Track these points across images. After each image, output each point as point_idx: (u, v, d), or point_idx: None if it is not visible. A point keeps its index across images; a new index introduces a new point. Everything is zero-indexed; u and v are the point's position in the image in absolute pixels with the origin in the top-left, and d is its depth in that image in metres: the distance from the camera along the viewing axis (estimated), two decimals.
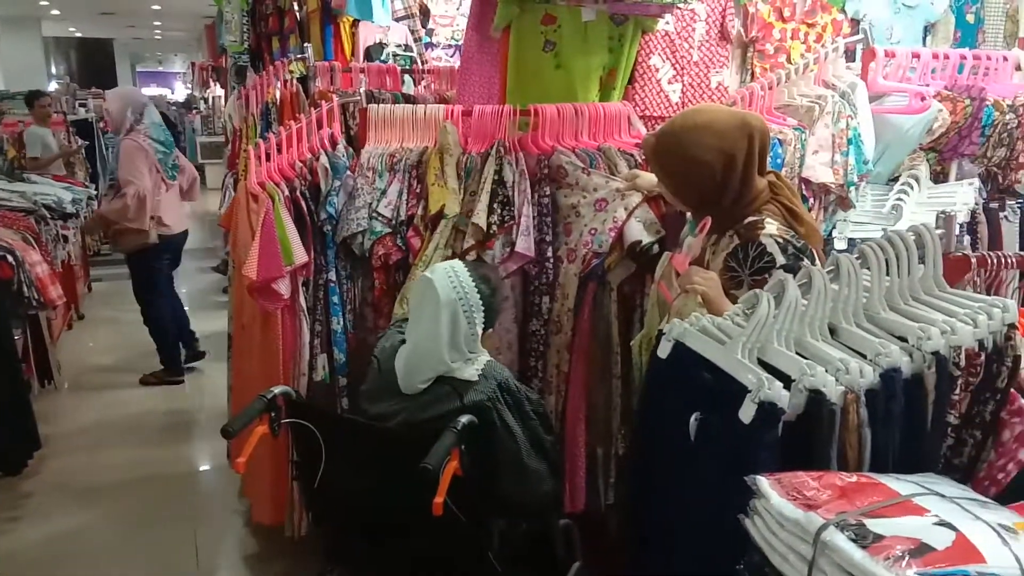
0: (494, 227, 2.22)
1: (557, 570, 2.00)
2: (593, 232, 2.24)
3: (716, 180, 1.70)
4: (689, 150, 1.70)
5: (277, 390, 1.82)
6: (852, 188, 2.59)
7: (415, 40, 4.58)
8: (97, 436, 3.82)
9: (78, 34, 18.49)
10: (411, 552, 1.86)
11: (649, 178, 2.26)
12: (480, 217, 2.20)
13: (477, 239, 2.21)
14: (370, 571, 2.00)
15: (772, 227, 1.66)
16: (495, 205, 2.22)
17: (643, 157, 2.39)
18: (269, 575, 2.73)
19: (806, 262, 1.52)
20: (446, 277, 1.80)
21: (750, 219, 1.69)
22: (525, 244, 2.24)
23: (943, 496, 1.00)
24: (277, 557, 2.74)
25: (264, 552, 2.83)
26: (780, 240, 1.64)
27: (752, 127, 1.71)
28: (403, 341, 1.90)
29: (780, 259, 1.62)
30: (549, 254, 2.29)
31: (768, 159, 1.85)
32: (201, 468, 3.56)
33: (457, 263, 1.89)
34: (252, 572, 2.77)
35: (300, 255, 2.22)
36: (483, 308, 1.82)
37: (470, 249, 2.21)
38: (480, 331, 1.84)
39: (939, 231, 1.31)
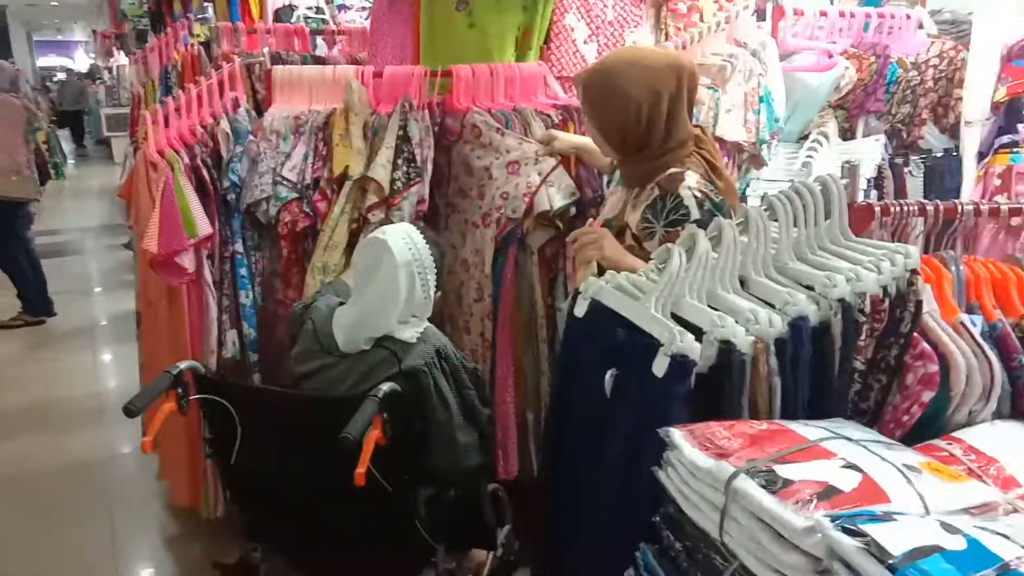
0: (399, 184, 2.15)
1: (486, 535, 2.00)
2: (505, 196, 2.20)
3: (642, 117, 1.67)
4: (617, 84, 1.68)
5: (183, 365, 1.74)
6: (764, 146, 2.63)
7: (327, 2, 4.43)
8: (3, 424, 3.62)
9: None
10: (335, 524, 1.83)
11: (567, 139, 2.23)
12: (379, 172, 2.12)
13: (379, 196, 2.14)
14: (293, 546, 1.96)
15: (692, 180, 1.65)
16: (399, 162, 2.16)
17: (560, 118, 2.37)
18: (189, 557, 2.64)
19: (716, 218, 1.52)
20: (400, 238, 1.77)
21: (672, 170, 1.68)
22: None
23: (850, 439, 1.02)
24: (197, 538, 2.65)
25: (184, 534, 2.74)
26: (698, 194, 1.63)
27: (682, 66, 1.70)
28: (340, 303, 1.86)
29: (695, 213, 1.62)
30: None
31: (695, 106, 1.84)
32: (115, 452, 3.41)
33: (408, 225, 1.87)
34: (171, 555, 2.68)
35: (204, 227, 2.12)
36: (436, 270, 1.81)
37: (374, 207, 2.14)
38: (432, 294, 1.82)
39: (844, 181, 1.32)
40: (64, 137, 12.98)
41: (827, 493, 0.87)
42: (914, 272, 1.22)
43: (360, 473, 1.52)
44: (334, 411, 1.60)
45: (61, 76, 17.46)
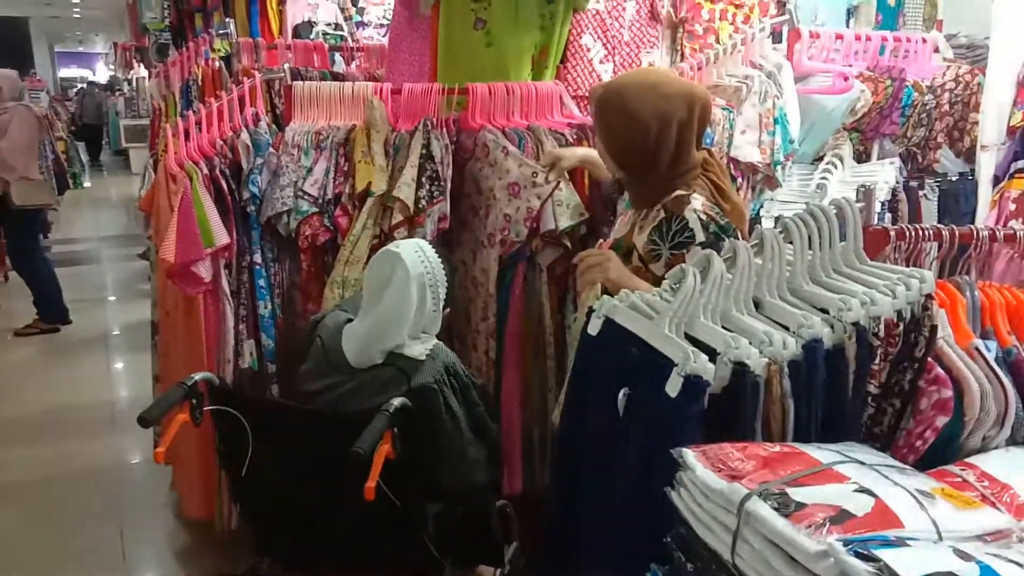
0: (423, 202, 2.17)
1: (494, 551, 2.00)
2: (508, 218, 2.21)
3: (649, 141, 1.69)
4: (630, 105, 1.69)
5: (198, 376, 1.76)
6: (778, 167, 2.63)
7: (345, 19, 4.48)
8: (15, 431, 3.65)
9: None
10: (343, 538, 1.83)
11: (572, 154, 2.24)
12: (404, 191, 2.15)
13: (405, 215, 2.16)
14: (301, 559, 1.96)
15: (697, 202, 1.66)
16: (423, 180, 2.18)
17: (574, 137, 2.38)
18: (199, 570, 2.64)
19: (727, 240, 1.53)
20: (413, 252, 1.78)
21: (678, 192, 1.69)
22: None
23: (863, 463, 1.01)
24: (208, 551, 2.66)
25: (194, 547, 2.74)
26: (703, 216, 1.64)
27: (696, 97, 1.71)
28: (348, 320, 1.86)
29: (700, 236, 1.63)
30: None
31: (704, 135, 1.85)
32: (127, 462, 3.43)
33: (420, 240, 1.88)
34: (181, 567, 2.68)
35: (221, 236, 2.14)
36: (447, 285, 1.82)
37: (398, 225, 2.16)
38: (441, 309, 1.83)
39: (859, 204, 1.32)
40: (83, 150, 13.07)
41: (840, 517, 0.87)
42: (929, 297, 1.21)
43: (370, 487, 1.53)
44: (345, 426, 1.61)
45: (81, 86, 17.49)
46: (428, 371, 1.74)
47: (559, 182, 2.19)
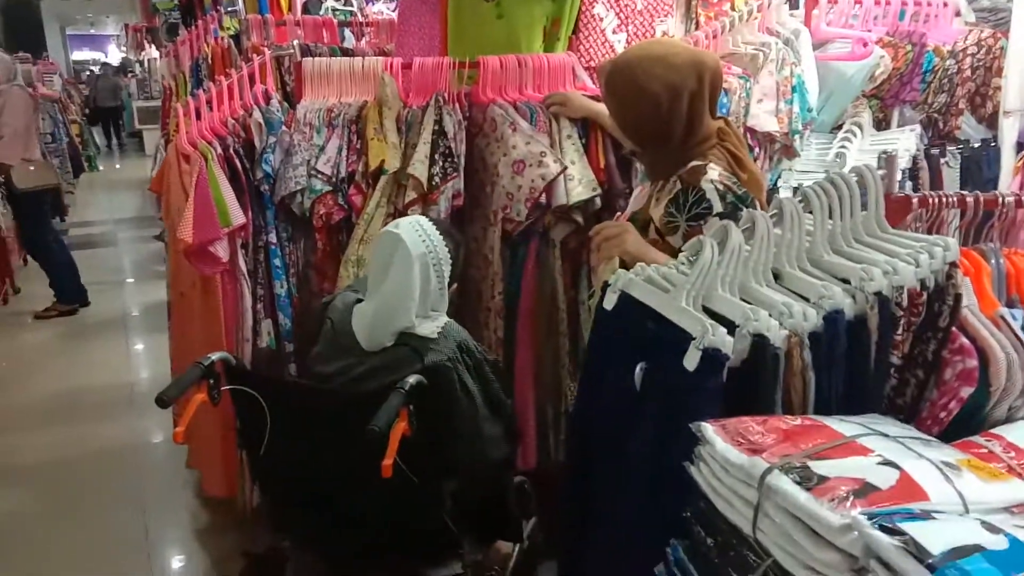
0: (436, 179, 2.15)
1: (512, 527, 2.00)
2: (510, 196, 2.17)
3: (661, 113, 1.66)
4: (638, 79, 1.66)
5: (215, 356, 1.75)
6: (797, 136, 2.59)
7: None
8: (36, 413, 3.69)
9: None
10: (362, 516, 1.83)
11: (582, 103, 2.22)
12: (418, 168, 2.12)
13: (419, 192, 2.14)
14: (320, 538, 1.97)
15: (714, 172, 1.64)
16: (436, 157, 2.15)
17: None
18: (221, 548, 2.67)
19: (745, 211, 1.50)
20: (414, 231, 1.75)
21: (694, 163, 1.67)
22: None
23: (887, 436, 1.00)
24: (230, 529, 2.68)
25: (216, 525, 2.77)
26: (720, 186, 1.61)
27: (705, 65, 1.68)
28: (358, 300, 1.85)
29: (718, 206, 1.60)
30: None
31: (718, 102, 1.82)
32: (147, 441, 3.46)
33: (420, 217, 1.85)
34: (203, 545, 2.71)
35: (237, 216, 2.13)
36: (451, 262, 1.79)
37: (412, 203, 2.15)
38: (447, 286, 1.81)
39: (881, 172, 1.29)
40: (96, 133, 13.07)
41: (864, 490, 0.86)
42: (953, 265, 1.19)
43: (387, 465, 1.53)
44: (362, 404, 1.60)
45: (93, 69, 17.36)
46: (441, 349, 1.73)
47: (564, 168, 2.16)
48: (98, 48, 23.42)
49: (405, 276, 1.73)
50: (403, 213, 2.14)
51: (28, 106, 4.74)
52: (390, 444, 1.54)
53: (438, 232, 1.78)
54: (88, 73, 17.62)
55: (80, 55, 23.08)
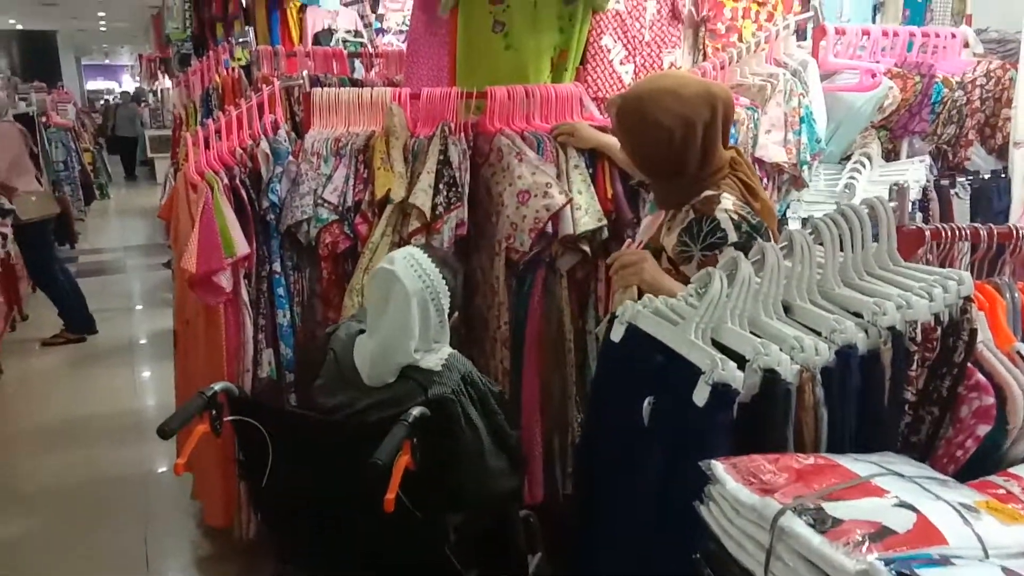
0: (440, 209, 2.14)
1: (517, 562, 1.96)
2: (514, 226, 2.16)
3: (674, 147, 1.65)
4: (650, 113, 1.65)
5: (218, 386, 1.74)
6: (805, 167, 2.58)
7: (365, 25, 4.49)
8: (42, 440, 3.68)
9: (19, 26, 17.84)
10: (364, 549, 1.80)
11: (591, 135, 2.22)
12: (420, 197, 2.12)
13: (422, 222, 2.14)
14: (323, 570, 1.94)
15: (728, 202, 1.62)
16: (441, 186, 2.15)
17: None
18: None
19: (757, 241, 1.48)
20: (408, 266, 1.72)
21: (707, 193, 1.65)
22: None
23: (902, 476, 0.97)
24: (230, 559, 2.65)
25: (217, 554, 2.74)
26: (735, 216, 1.60)
27: (716, 96, 1.67)
28: (361, 331, 1.83)
29: (732, 236, 1.58)
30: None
31: (730, 133, 1.81)
32: (151, 470, 3.44)
33: (414, 249, 1.81)
34: (204, 574, 2.68)
35: (242, 246, 2.13)
36: (449, 293, 1.77)
37: (415, 232, 2.14)
38: (447, 317, 1.79)
39: (892, 204, 1.28)
40: (113, 162, 13.11)
41: (880, 534, 0.83)
42: (968, 299, 1.17)
43: (389, 499, 1.50)
44: (364, 436, 1.58)
45: (109, 98, 17.42)
46: (445, 382, 1.70)
47: (569, 199, 2.16)
48: (112, 78, 23.82)
49: (403, 314, 1.70)
50: (406, 242, 2.13)
51: (15, 140, 4.81)
52: (393, 478, 1.51)
53: (433, 264, 1.75)
54: (103, 102, 17.78)
55: (94, 84, 23.48)
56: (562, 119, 2.39)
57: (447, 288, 1.76)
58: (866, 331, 1.13)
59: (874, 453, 1.08)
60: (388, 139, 2.21)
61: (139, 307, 5.99)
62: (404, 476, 1.53)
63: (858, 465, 0.99)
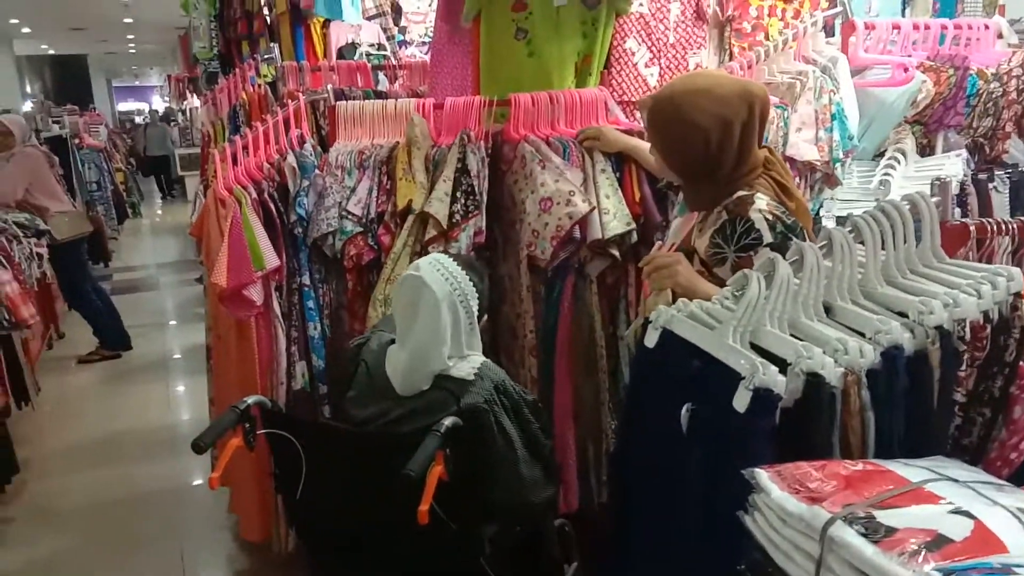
0: (457, 216, 2.13)
1: (552, 572, 1.93)
2: (536, 234, 2.13)
3: (711, 148, 1.61)
4: (686, 114, 1.61)
5: (251, 400, 1.74)
6: (838, 165, 2.53)
7: (388, 38, 4.50)
8: (78, 457, 3.72)
9: (51, 51, 18.27)
10: (399, 562, 1.79)
11: (616, 139, 2.19)
12: (435, 206, 2.11)
13: (438, 230, 2.12)
14: None
15: (762, 202, 1.58)
16: (458, 195, 2.14)
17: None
18: None
19: (794, 241, 1.45)
20: (435, 271, 1.71)
21: (740, 193, 1.61)
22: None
23: (956, 481, 0.93)
24: (268, 573, 2.66)
25: (254, 568, 2.75)
26: (769, 217, 1.56)
27: (754, 95, 1.62)
28: (392, 341, 1.81)
29: (767, 237, 1.54)
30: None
31: (765, 131, 1.77)
32: (187, 484, 3.46)
33: (439, 255, 1.81)
34: None
35: (271, 259, 2.13)
36: (477, 295, 1.75)
37: (432, 241, 2.13)
38: (476, 320, 1.77)
39: (935, 199, 1.23)
40: (147, 182, 13.24)
41: (936, 543, 0.79)
42: (1018, 296, 1.12)
43: (423, 511, 1.48)
44: (398, 448, 1.56)
45: (139, 120, 17.66)
46: (477, 391, 1.68)
47: (593, 207, 2.13)
48: (142, 99, 24.29)
49: (434, 320, 1.69)
50: (424, 251, 2.12)
51: (37, 163, 4.92)
52: (426, 489, 1.50)
53: (459, 267, 1.74)
54: (134, 121, 18.06)
55: (125, 106, 23.95)
56: (587, 123, 2.37)
57: (475, 290, 1.74)
58: (912, 331, 1.09)
59: (924, 458, 1.04)
60: (410, 149, 2.21)
61: (172, 322, 6.07)
62: (438, 487, 1.51)
63: (909, 470, 0.95)
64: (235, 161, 2.29)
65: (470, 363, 1.74)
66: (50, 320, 5.32)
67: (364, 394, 1.83)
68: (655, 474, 1.32)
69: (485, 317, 1.84)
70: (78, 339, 5.34)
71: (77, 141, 8.30)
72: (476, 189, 2.15)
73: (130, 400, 4.42)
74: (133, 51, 18.34)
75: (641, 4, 2.73)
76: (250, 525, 2.52)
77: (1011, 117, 2.97)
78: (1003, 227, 1.53)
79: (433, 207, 2.11)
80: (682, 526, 1.20)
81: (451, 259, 1.76)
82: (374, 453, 1.73)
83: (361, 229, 2.19)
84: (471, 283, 1.74)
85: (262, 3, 4.37)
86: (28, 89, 17.73)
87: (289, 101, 2.51)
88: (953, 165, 2.71)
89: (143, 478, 3.45)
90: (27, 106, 13.99)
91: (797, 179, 2.51)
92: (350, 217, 2.18)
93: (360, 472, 1.75)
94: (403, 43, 4.70)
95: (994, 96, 2.89)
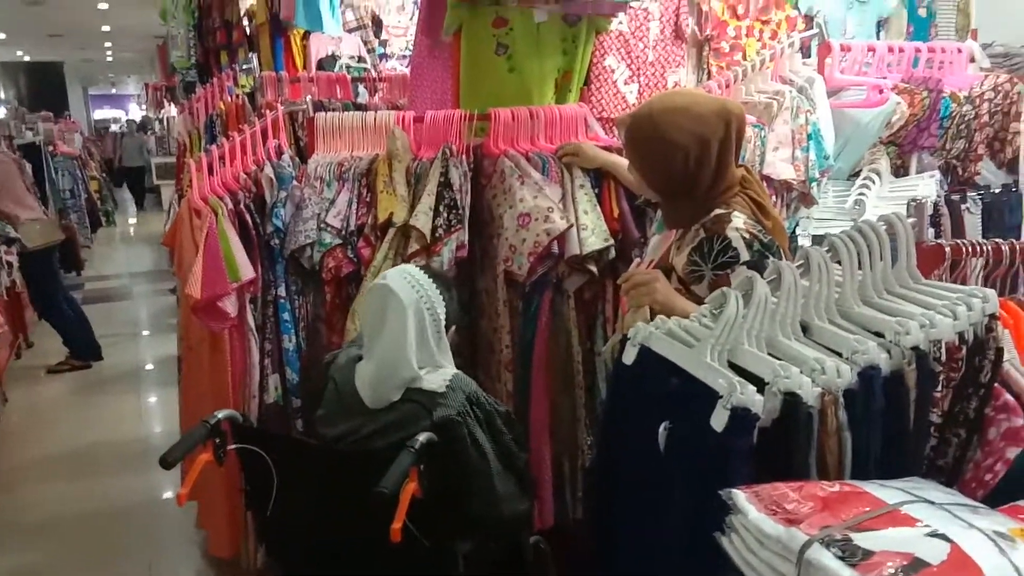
0: (440, 231, 2.12)
1: None
2: (513, 249, 2.13)
3: (689, 165, 1.62)
4: (664, 132, 1.62)
5: (221, 414, 1.71)
6: (814, 184, 2.55)
7: (368, 51, 4.50)
8: (46, 469, 3.65)
9: (27, 58, 18.04)
10: None
11: (595, 154, 2.20)
12: (420, 219, 2.10)
13: (421, 244, 2.12)
14: None
15: (739, 220, 1.59)
16: (441, 208, 2.13)
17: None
18: None
19: (771, 260, 1.45)
20: (402, 279, 1.71)
21: (718, 211, 1.62)
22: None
23: (932, 503, 0.92)
24: None
25: None
26: (746, 235, 1.57)
27: (731, 113, 1.63)
28: (359, 357, 1.79)
29: (744, 255, 1.55)
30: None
31: (742, 150, 1.78)
32: (157, 498, 3.39)
33: (408, 265, 1.81)
34: None
35: (247, 271, 2.11)
36: (444, 303, 1.74)
37: (415, 254, 2.11)
38: (444, 329, 1.76)
39: (911, 220, 1.24)
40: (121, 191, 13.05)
41: (914, 566, 0.78)
42: (993, 317, 1.13)
43: (395, 528, 1.46)
44: (371, 464, 1.54)
45: (115, 128, 17.46)
46: (450, 403, 1.66)
47: (571, 224, 2.13)
48: (118, 107, 24.05)
49: (400, 326, 1.68)
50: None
51: (13, 170, 4.93)
52: (399, 507, 1.47)
53: (427, 276, 1.74)
54: (109, 129, 17.85)
55: (101, 113, 23.68)
56: (567, 139, 2.37)
57: (442, 299, 1.73)
58: (889, 351, 1.09)
59: (900, 479, 1.03)
60: (391, 162, 2.19)
61: (145, 333, 5.98)
62: (411, 503, 1.49)
63: (885, 492, 0.94)
64: (211, 171, 2.26)
65: (441, 375, 1.72)
66: (19, 329, 5.23)
67: (334, 412, 1.80)
68: (633, 491, 1.30)
69: (453, 328, 1.82)
70: (48, 348, 5.24)
71: (51, 148, 8.19)
72: (459, 203, 2.14)
73: (101, 411, 4.35)
74: (110, 59, 18.15)
75: (621, 22, 2.75)
76: (219, 541, 2.48)
77: (983, 140, 3.02)
78: (977, 248, 1.54)
79: (419, 220, 2.09)
80: (660, 543, 1.19)
81: (419, 268, 1.76)
82: (347, 469, 1.70)
83: (340, 241, 2.17)
84: (438, 291, 1.73)
85: (241, 13, 4.34)
86: (2, 95, 17.51)
87: (268, 111, 2.49)
88: (927, 186, 2.74)
89: (113, 491, 3.39)
90: (0, 112, 13.79)
91: (773, 198, 2.53)
92: (329, 229, 2.16)
93: (332, 488, 1.72)
94: (383, 56, 4.69)
95: (967, 119, 2.95)
